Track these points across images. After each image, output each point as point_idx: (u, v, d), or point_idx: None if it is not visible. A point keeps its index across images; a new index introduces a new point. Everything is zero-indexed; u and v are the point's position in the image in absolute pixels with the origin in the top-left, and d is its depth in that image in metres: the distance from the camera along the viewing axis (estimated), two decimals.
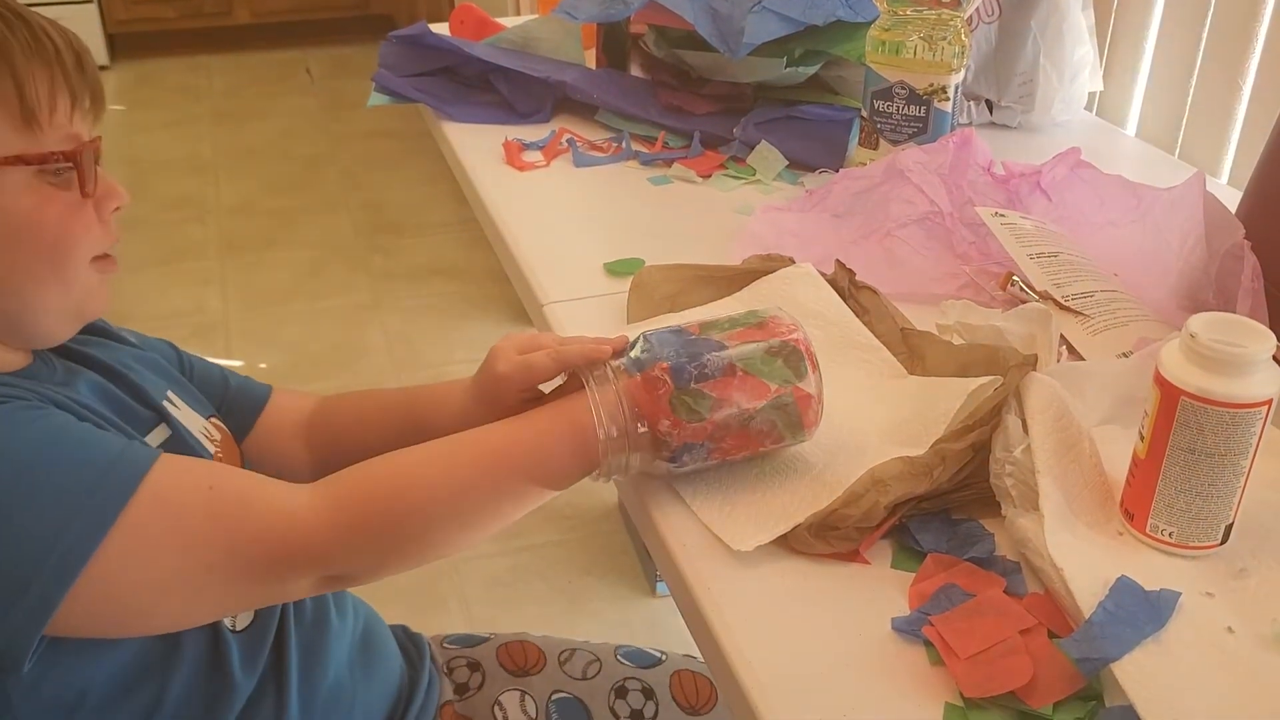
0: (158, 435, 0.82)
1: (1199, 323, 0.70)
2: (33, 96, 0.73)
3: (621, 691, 1.01)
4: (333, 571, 0.74)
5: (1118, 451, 0.78)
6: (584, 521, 2.18)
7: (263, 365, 2.74)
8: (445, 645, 1.06)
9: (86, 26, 4.36)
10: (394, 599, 0.84)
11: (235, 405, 0.97)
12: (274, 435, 0.98)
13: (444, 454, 0.77)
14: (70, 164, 0.75)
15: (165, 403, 0.85)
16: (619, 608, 2.00)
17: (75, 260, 0.77)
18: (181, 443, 0.83)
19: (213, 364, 0.98)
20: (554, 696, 1.00)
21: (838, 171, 1.21)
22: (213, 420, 0.91)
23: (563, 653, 1.05)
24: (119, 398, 0.81)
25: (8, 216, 0.73)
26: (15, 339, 0.77)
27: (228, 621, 0.79)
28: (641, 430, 0.75)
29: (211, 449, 0.87)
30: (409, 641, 1.02)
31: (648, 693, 1.02)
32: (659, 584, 2.01)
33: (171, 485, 0.70)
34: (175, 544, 0.69)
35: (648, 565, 2.05)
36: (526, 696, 0.99)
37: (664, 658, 1.07)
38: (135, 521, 0.68)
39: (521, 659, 1.03)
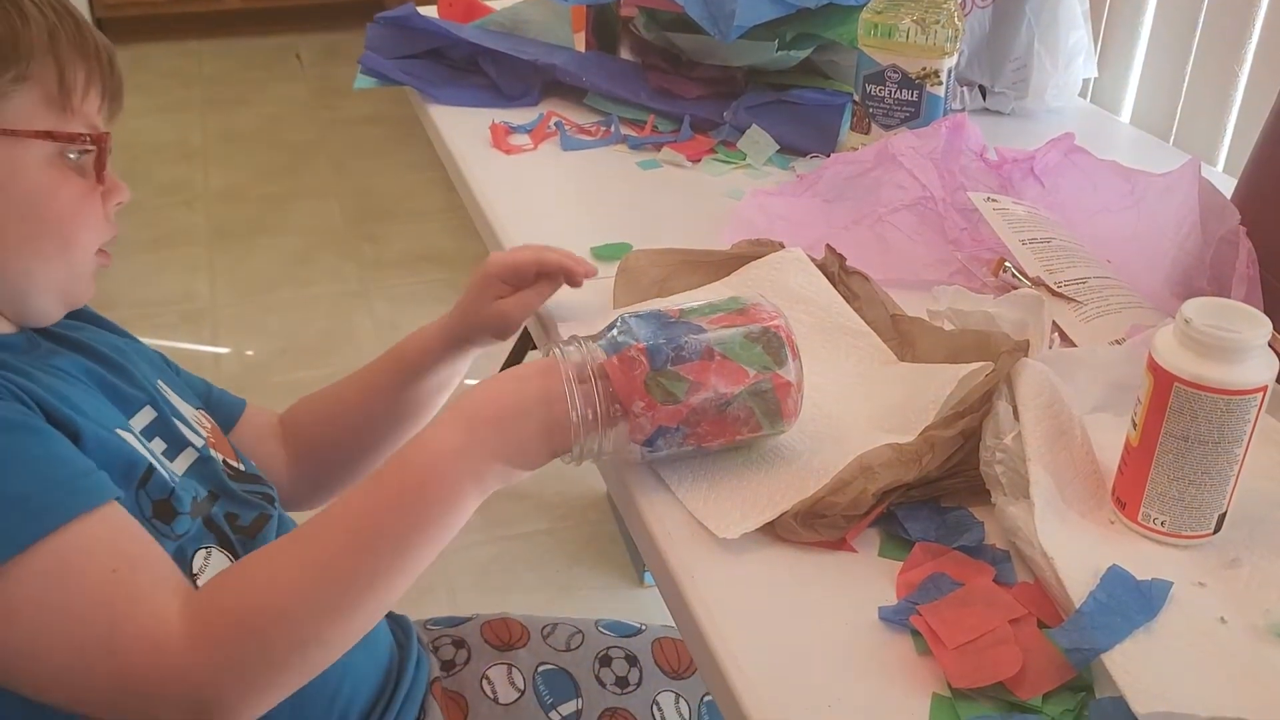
0: (144, 417, 0.83)
1: (1193, 308, 0.69)
2: (71, 81, 0.78)
3: (606, 660, 1.03)
4: (203, 695, 0.66)
5: (1109, 439, 0.77)
6: (572, 510, 2.17)
7: (250, 352, 2.72)
8: (429, 626, 1.07)
9: None
10: None
11: (216, 410, 0.99)
12: (251, 444, 1.00)
13: (304, 538, 0.70)
14: (93, 148, 0.79)
15: (158, 386, 0.87)
16: (607, 597, 1.99)
17: (82, 243, 0.81)
18: (168, 425, 0.84)
19: (197, 378, 1.00)
20: (540, 669, 1.01)
21: (829, 156, 1.20)
22: (202, 412, 0.92)
23: (545, 627, 1.06)
24: (105, 378, 0.82)
25: (26, 189, 0.76)
26: (8, 310, 0.79)
27: None
28: (615, 411, 0.74)
29: (204, 433, 0.88)
30: (394, 622, 1.01)
31: (631, 659, 1.03)
32: (647, 573, 2.00)
33: (77, 554, 0.66)
34: (56, 613, 0.66)
35: (636, 555, 2.04)
36: (513, 669, 1.00)
37: (644, 628, 1.09)
38: (21, 577, 0.64)
39: (505, 634, 1.04)
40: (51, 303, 0.81)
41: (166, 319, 2.82)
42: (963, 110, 1.45)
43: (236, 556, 0.82)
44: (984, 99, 1.49)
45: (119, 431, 0.77)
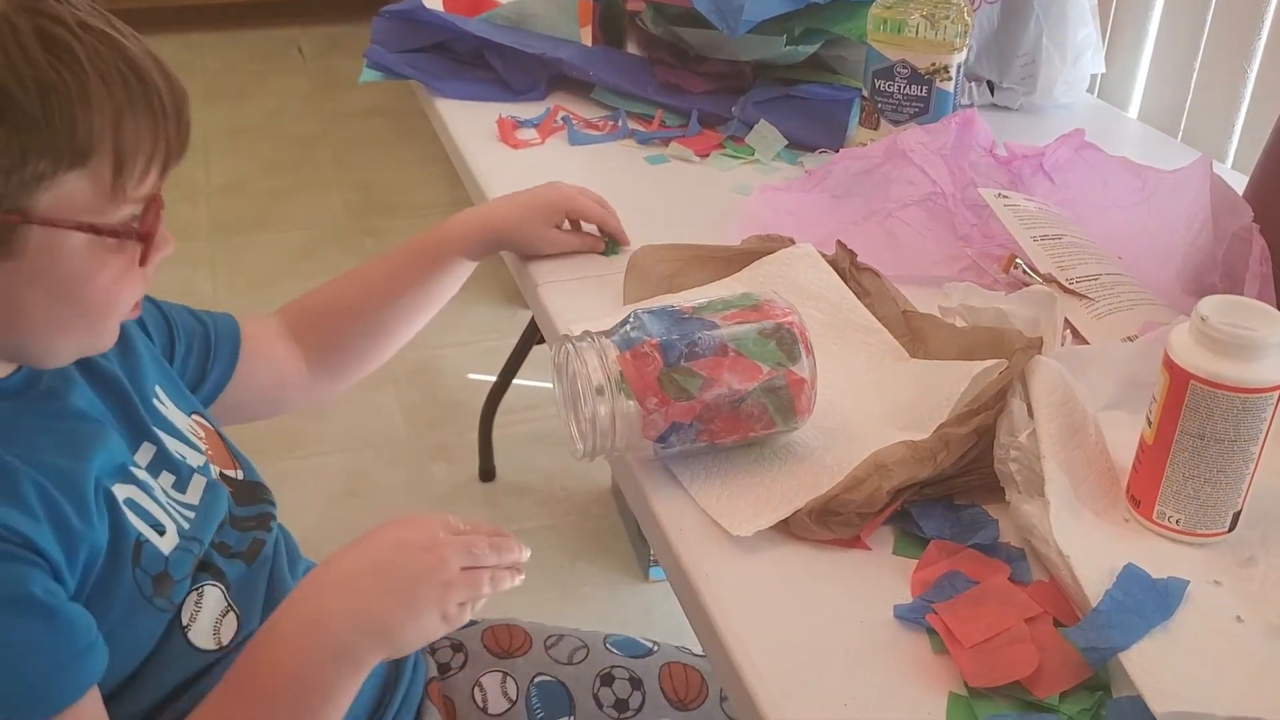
0: (146, 453, 0.80)
1: (1210, 306, 0.69)
2: (129, 170, 0.69)
3: (608, 679, 0.99)
4: None
5: (1123, 437, 0.77)
6: (576, 505, 2.17)
7: None
8: None
9: None
10: None
11: (220, 346, 0.96)
12: (259, 352, 0.99)
13: None
14: (138, 240, 0.72)
15: (155, 402, 0.83)
16: (611, 593, 1.98)
17: (113, 321, 0.75)
18: (168, 459, 0.81)
19: (188, 316, 0.95)
20: (536, 679, 0.98)
21: (838, 151, 1.19)
22: (195, 417, 0.88)
23: (550, 638, 1.03)
24: (109, 416, 0.79)
25: (60, 277, 0.70)
26: (17, 361, 0.75)
27: (211, 641, 0.77)
28: (629, 407, 0.74)
29: (201, 445, 0.86)
30: None
31: (635, 682, 0.99)
32: (652, 569, 2.00)
33: None
34: None
35: (641, 550, 2.04)
36: (508, 678, 0.98)
37: (656, 648, 1.04)
38: None
39: (507, 641, 1.01)
40: (66, 359, 0.76)
41: None
42: (971, 106, 1.45)
43: (228, 586, 0.80)
44: (992, 94, 1.49)
45: (117, 489, 0.74)
